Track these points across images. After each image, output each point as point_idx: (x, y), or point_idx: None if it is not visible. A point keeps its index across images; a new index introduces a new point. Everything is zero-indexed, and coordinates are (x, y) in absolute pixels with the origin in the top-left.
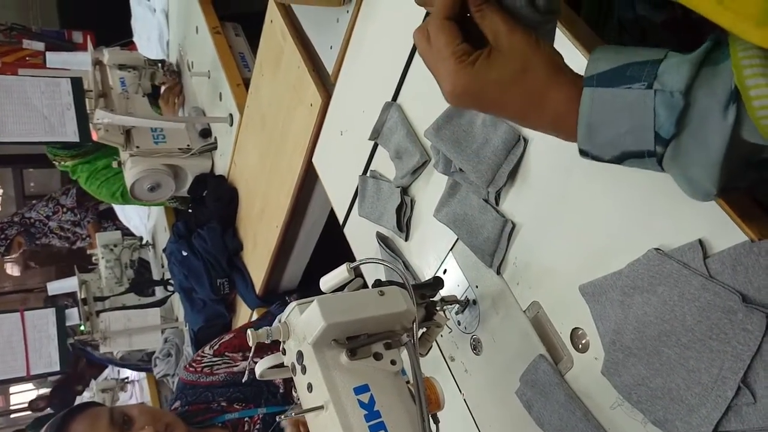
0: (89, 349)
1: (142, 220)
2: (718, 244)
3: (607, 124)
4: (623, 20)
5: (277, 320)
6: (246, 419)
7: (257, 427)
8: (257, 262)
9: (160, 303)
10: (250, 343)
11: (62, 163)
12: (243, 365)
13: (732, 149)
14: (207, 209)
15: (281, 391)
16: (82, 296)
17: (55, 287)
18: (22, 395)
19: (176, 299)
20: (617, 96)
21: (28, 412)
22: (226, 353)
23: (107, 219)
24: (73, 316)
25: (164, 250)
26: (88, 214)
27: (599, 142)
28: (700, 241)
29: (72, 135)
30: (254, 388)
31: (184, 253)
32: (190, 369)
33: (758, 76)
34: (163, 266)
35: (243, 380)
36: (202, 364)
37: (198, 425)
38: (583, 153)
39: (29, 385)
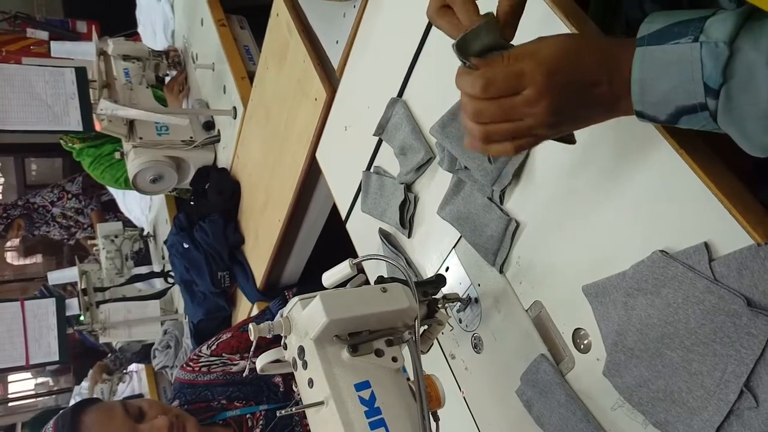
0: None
1: (144, 211)
2: (724, 248)
3: (657, 79)
4: (630, 20)
5: (279, 315)
6: (248, 416)
7: (260, 423)
8: (258, 256)
9: (160, 295)
10: (252, 338)
11: (69, 144)
12: (241, 365)
13: None
14: (209, 202)
15: (281, 389)
16: (83, 287)
17: (56, 277)
18: (20, 384)
19: (176, 291)
20: (666, 52)
21: (26, 401)
22: (224, 354)
23: (109, 210)
24: (73, 306)
25: (165, 242)
26: (92, 202)
27: (652, 100)
28: (706, 244)
29: (75, 124)
30: (254, 387)
31: (186, 246)
32: (187, 368)
33: None
34: (163, 258)
35: (244, 375)
36: (199, 363)
37: (199, 423)
38: (639, 115)
39: (27, 374)
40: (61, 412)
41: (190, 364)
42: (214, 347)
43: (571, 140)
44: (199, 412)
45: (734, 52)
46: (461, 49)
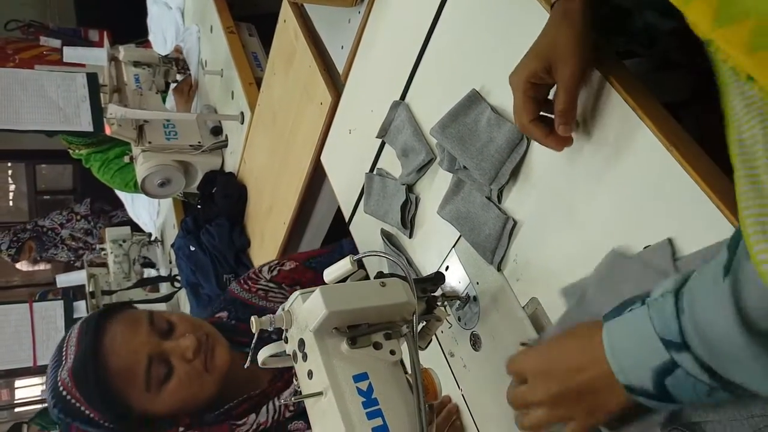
0: None
1: (151, 216)
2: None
3: (623, 341)
4: (632, 28)
5: (280, 309)
6: None
7: None
8: (264, 259)
9: (167, 299)
10: (254, 330)
11: (76, 151)
12: None
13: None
14: (216, 205)
15: None
16: (90, 290)
17: (64, 280)
18: (26, 390)
19: (182, 296)
20: (622, 320)
21: (32, 406)
22: (284, 284)
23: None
24: (80, 308)
25: (172, 245)
26: (101, 221)
27: (627, 366)
28: (670, 240)
29: (86, 125)
30: None
31: (192, 248)
32: (245, 286)
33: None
34: (170, 262)
35: (245, 366)
36: (257, 285)
37: (234, 344)
38: (629, 389)
39: (34, 380)
40: (88, 315)
41: (248, 282)
42: (275, 272)
43: None
44: (244, 333)
45: (679, 298)
46: None
